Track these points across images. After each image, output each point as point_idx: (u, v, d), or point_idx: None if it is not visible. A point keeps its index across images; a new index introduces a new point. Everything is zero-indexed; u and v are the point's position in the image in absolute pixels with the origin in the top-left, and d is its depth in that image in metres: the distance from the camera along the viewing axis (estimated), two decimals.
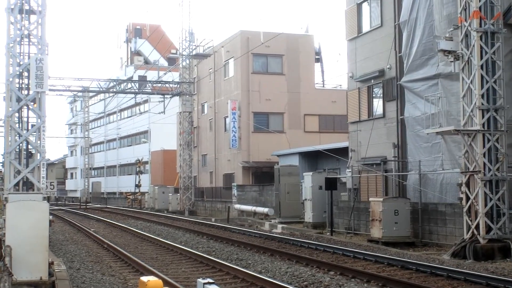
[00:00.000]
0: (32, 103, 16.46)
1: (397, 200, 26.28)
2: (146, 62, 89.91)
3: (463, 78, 21.45)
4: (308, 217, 33.90)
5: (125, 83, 59.28)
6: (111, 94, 69.11)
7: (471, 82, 21.04)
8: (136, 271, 18.51)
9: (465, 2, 21.33)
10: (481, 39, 21.01)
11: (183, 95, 57.00)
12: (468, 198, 21.15)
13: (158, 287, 10.16)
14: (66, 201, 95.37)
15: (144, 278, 10.45)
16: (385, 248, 23.58)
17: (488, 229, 20.75)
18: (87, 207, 70.51)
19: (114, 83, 58.87)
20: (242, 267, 18.66)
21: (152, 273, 16.58)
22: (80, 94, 78.25)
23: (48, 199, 22.97)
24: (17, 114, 16.67)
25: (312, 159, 46.12)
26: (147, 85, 58.58)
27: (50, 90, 49.51)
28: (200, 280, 10.40)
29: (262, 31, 52.72)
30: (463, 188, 21.37)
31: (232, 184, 50.63)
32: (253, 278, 16.33)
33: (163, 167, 76.37)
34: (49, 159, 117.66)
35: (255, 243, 25.70)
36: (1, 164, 70.88)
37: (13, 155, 16.45)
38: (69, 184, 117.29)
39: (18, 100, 16.40)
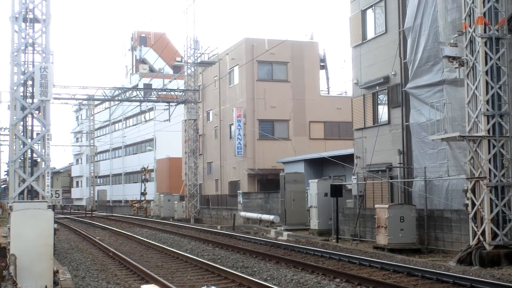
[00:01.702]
0: (36, 112, 16.46)
1: (403, 206, 26.22)
2: (151, 70, 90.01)
3: (468, 84, 21.41)
4: (314, 224, 33.84)
5: (130, 91, 59.40)
6: (116, 102, 69.21)
7: (476, 88, 21.01)
8: (141, 279, 18.47)
9: (470, 8, 21.31)
10: (485, 45, 20.98)
11: (188, 103, 57.04)
12: (473, 204, 21.09)
13: None
14: (71, 210, 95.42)
15: (144, 287, 10.43)
16: (391, 255, 23.53)
17: (494, 235, 20.68)
18: (93, 215, 70.56)
19: (119, 91, 59.02)
20: (248, 274, 18.61)
21: (157, 281, 16.56)
22: (85, 102, 78.54)
23: (53, 207, 22.98)
24: (21, 123, 16.68)
25: (318, 166, 46.07)
26: (152, 93, 58.64)
27: (55, 98, 49.75)
28: None
29: (267, 38, 52.75)
30: (469, 194, 21.32)
31: (238, 191, 50.57)
32: (258, 286, 16.29)
33: (168, 175, 76.40)
34: (54, 168, 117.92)
35: (260, 250, 25.67)
36: (6, 172, 70.96)
37: (18, 164, 16.45)
38: (75, 193, 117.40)
39: (23, 108, 16.41)
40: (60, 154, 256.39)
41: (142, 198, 72.99)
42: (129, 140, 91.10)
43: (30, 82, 16.76)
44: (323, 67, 59.68)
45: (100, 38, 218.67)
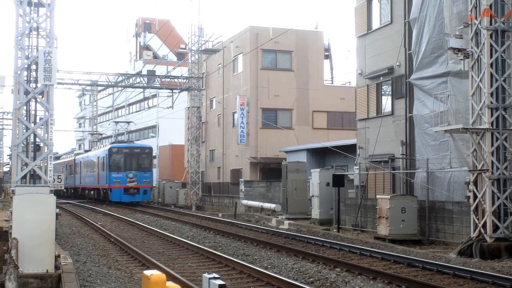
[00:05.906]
0: (40, 96, 16.45)
1: (405, 197, 26.25)
2: (155, 56, 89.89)
3: (472, 76, 21.38)
4: (315, 213, 33.89)
5: (134, 78, 59.27)
6: (119, 88, 69.07)
7: (481, 80, 20.98)
8: (142, 265, 18.53)
9: (476, 0, 21.24)
10: (491, 37, 20.93)
11: (192, 90, 56.98)
12: (475, 197, 21.10)
13: (161, 281, 10.11)
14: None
15: (147, 272, 10.41)
16: (391, 246, 23.56)
17: (495, 228, 20.70)
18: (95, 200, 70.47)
19: (123, 77, 58.88)
20: (248, 262, 18.66)
21: (158, 267, 16.59)
22: (88, 88, 78.24)
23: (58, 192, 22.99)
24: (25, 107, 16.67)
25: (320, 155, 46.09)
26: (156, 80, 58.58)
27: (58, 83, 49.61)
28: (206, 275, 10.39)
29: (271, 27, 52.65)
30: (471, 186, 21.33)
31: (240, 179, 50.62)
32: (259, 274, 16.32)
33: (171, 161, 76.33)
34: (57, 153, 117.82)
35: (261, 238, 25.70)
36: (9, 156, 70.94)
37: (21, 148, 16.45)
38: None
39: (26, 93, 16.39)
40: (63, 139, 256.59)
41: None
42: (132, 126, 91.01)
43: (34, 67, 16.73)
44: (328, 56, 59.56)
45: (104, 24, 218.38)
